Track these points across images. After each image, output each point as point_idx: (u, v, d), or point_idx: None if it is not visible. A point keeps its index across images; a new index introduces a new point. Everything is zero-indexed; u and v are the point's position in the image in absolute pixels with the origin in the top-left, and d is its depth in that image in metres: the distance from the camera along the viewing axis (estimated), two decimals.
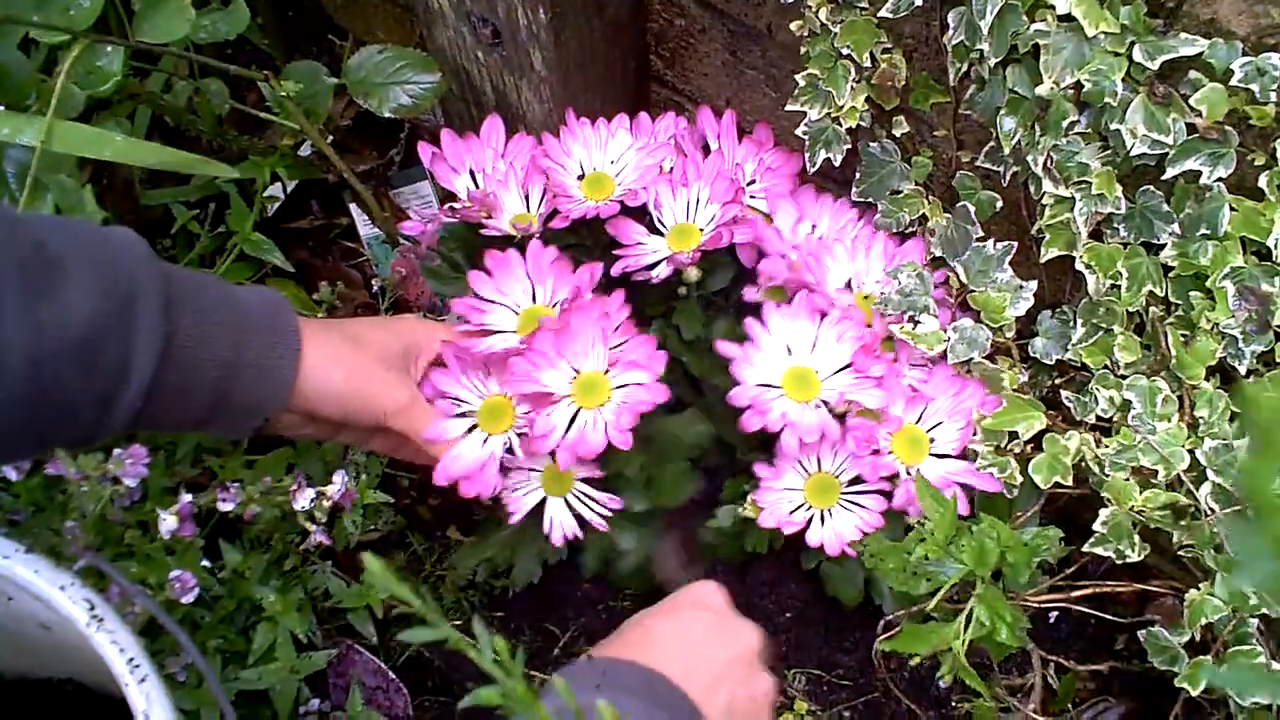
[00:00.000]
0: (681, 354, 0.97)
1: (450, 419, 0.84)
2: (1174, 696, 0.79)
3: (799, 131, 0.85)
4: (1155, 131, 0.69)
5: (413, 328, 0.83)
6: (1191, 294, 0.74)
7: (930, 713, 0.99)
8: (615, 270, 0.89)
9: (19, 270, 0.59)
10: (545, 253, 0.87)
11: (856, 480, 0.88)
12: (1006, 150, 0.75)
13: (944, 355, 0.83)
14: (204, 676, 0.78)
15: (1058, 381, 0.83)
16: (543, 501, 0.89)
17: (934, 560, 0.73)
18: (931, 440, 0.86)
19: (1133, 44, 0.68)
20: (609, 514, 0.88)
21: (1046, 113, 0.72)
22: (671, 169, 0.93)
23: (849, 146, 0.84)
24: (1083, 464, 0.77)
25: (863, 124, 0.83)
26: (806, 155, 0.85)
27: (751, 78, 0.97)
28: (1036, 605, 0.81)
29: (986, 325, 0.81)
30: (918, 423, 0.86)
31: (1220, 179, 0.70)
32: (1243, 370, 0.73)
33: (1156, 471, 0.73)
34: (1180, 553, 0.75)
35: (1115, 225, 0.75)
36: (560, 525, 0.88)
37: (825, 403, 0.86)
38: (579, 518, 0.89)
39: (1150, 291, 0.75)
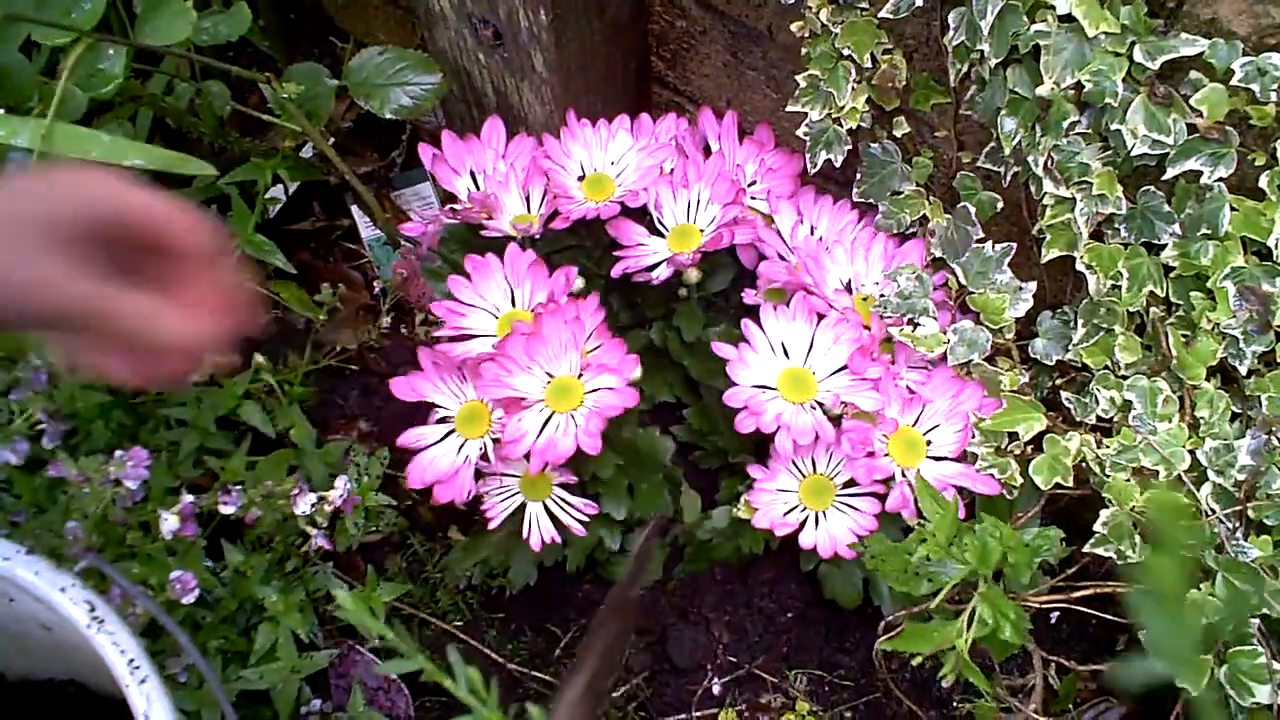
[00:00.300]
0: (682, 356, 0.97)
1: (429, 425, 0.84)
2: (1175, 696, 0.79)
3: (800, 132, 0.85)
4: (1156, 132, 0.69)
5: (77, 182, 0.57)
6: (1192, 294, 0.74)
7: (931, 713, 0.99)
8: (616, 271, 0.90)
9: None
10: (523, 256, 0.87)
11: (851, 483, 0.88)
12: (1007, 151, 0.75)
13: (944, 357, 0.83)
14: (205, 677, 0.79)
15: (1058, 382, 0.84)
16: (522, 506, 0.90)
17: (935, 561, 0.73)
18: (929, 443, 0.86)
19: (1133, 44, 0.68)
20: (586, 519, 0.89)
21: (1047, 113, 0.72)
22: (672, 170, 0.93)
23: (850, 147, 0.84)
24: (1083, 465, 0.77)
25: (863, 125, 0.83)
26: (807, 156, 0.85)
27: (752, 79, 0.98)
28: (1038, 606, 0.81)
29: (986, 327, 0.81)
30: (915, 425, 0.86)
31: (1221, 179, 0.70)
32: (1243, 370, 0.73)
33: (1157, 472, 0.73)
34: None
35: (1116, 225, 0.75)
36: (539, 530, 0.89)
37: (821, 404, 0.86)
38: (558, 522, 0.89)
39: (1151, 292, 0.75)
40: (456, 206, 0.91)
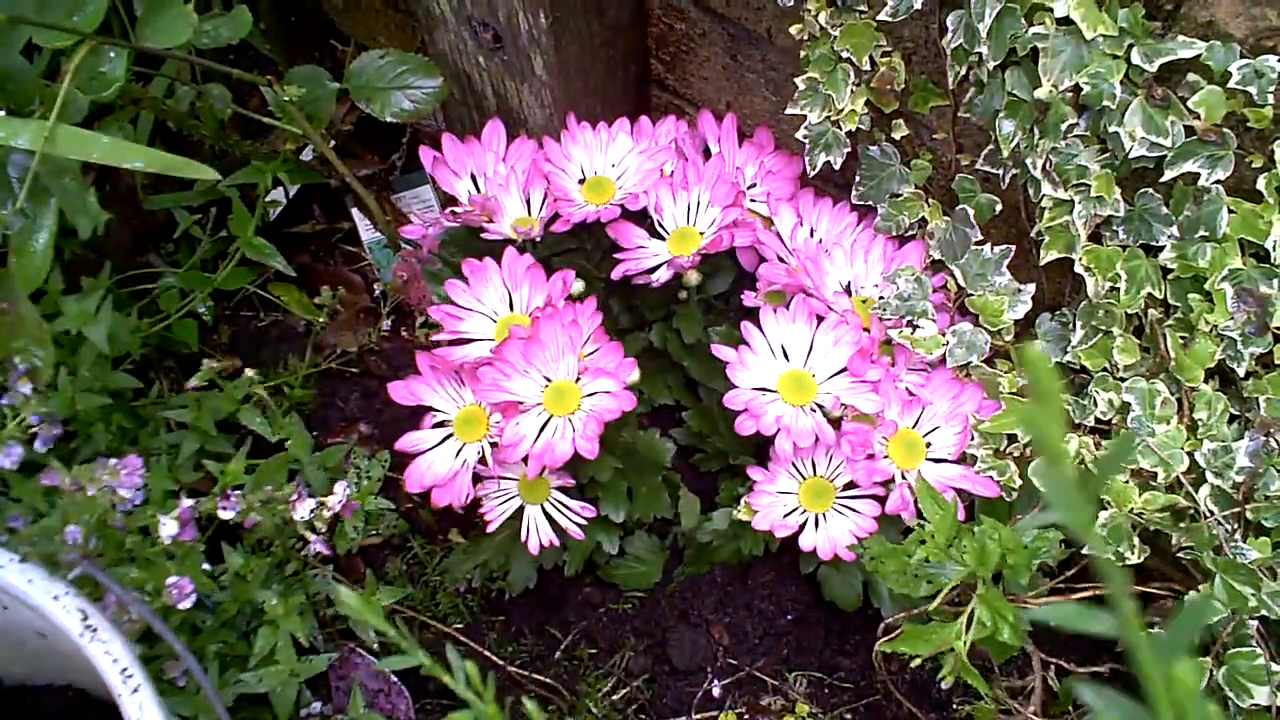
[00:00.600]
0: (682, 359, 0.97)
1: (427, 429, 0.84)
2: None
3: (799, 135, 0.85)
4: (1154, 134, 0.69)
5: None
6: (1190, 296, 0.74)
7: (931, 715, 0.99)
8: (616, 274, 0.90)
9: None
10: (521, 260, 0.87)
11: (851, 485, 0.88)
12: (1005, 153, 0.75)
13: (943, 359, 0.83)
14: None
15: None
16: (521, 509, 0.90)
17: (935, 563, 0.73)
18: (928, 445, 0.86)
19: (1131, 47, 0.68)
20: (584, 522, 0.89)
21: (1045, 115, 0.72)
22: (672, 172, 0.93)
23: (849, 150, 0.84)
24: (1082, 466, 0.77)
25: (862, 127, 0.83)
26: (806, 158, 0.85)
27: (752, 81, 0.98)
28: (1037, 607, 0.81)
29: (985, 329, 0.81)
30: (915, 427, 0.86)
31: (1218, 181, 0.71)
32: (1242, 372, 0.73)
33: (1156, 474, 0.74)
34: (1179, 555, 0.75)
35: (1114, 228, 0.75)
36: (537, 533, 0.89)
37: (821, 407, 0.86)
38: (556, 525, 0.89)
39: (1149, 294, 0.75)
40: (457, 209, 0.92)
